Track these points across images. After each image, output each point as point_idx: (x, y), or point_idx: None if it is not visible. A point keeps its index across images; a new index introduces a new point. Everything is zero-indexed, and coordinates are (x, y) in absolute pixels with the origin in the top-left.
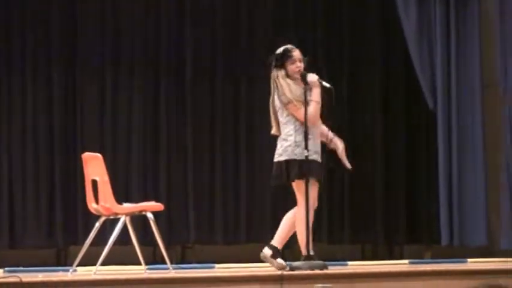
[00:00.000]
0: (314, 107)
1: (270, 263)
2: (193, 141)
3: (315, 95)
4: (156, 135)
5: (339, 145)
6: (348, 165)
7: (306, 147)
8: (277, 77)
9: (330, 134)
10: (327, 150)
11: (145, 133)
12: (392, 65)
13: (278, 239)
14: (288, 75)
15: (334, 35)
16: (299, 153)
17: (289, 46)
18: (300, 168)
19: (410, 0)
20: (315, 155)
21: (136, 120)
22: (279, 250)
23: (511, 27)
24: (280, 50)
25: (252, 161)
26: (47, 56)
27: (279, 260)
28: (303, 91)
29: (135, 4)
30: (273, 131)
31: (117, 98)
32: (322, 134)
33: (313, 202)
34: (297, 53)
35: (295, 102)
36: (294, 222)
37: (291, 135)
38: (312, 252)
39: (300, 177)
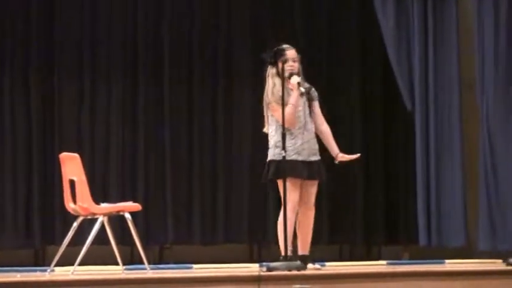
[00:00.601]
0: (289, 109)
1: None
2: (171, 141)
3: (292, 98)
4: (134, 135)
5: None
6: (354, 156)
7: (284, 148)
8: (268, 75)
9: (335, 151)
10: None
11: (123, 133)
12: (370, 65)
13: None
14: (278, 74)
15: (312, 35)
16: (277, 154)
17: (284, 45)
18: (276, 168)
19: (388, 0)
20: (295, 155)
21: (114, 121)
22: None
23: (489, 27)
24: (275, 48)
25: (229, 162)
26: (25, 56)
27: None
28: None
29: (113, 6)
30: (264, 129)
31: (95, 98)
32: (332, 149)
33: (292, 202)
34: (290, 52)
35: (273, 104)
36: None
37: (273, 135)
38: (290, 253)
39: (276, 177)
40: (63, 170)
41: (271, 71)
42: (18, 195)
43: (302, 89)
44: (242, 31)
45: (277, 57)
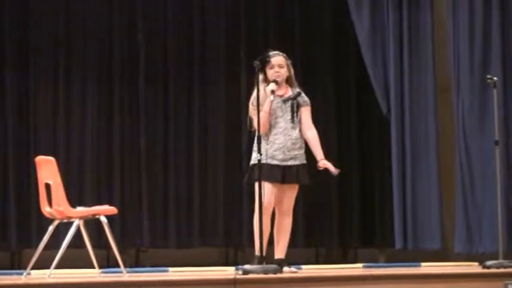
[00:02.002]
0: (261, 116)
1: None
2: (147, 145)
3: (265, 105)
4: (110, 138)
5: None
6: (333, 169)
7: (259, 151)
8: (257, 81)
9: (319, 157)
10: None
11: (99, 137)
12: (345, 69)
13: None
14: (266, 80)
15: (286, 38)
16: (254, 158)
17: (271, 52)
18: (251, 171)
19: (363, 4)
20: (269, 159)
21: (90, 124)
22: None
23: (464, 31)
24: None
25: (205, 165)
26: None
27: (285, 268)
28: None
29: (87, 8)
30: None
31: (70, 101)
32: (315, 155)
33: (268, 204)
34: (276, 59)
35: (251, 109)
36: (282, 228)
37: (254, 141)
38: (259, 253)
39: (251, 180)
40: (38, 173)
41: (260, 76)
42: None
43: (271, 97)
44: (216, 31)
45: (263, 63)
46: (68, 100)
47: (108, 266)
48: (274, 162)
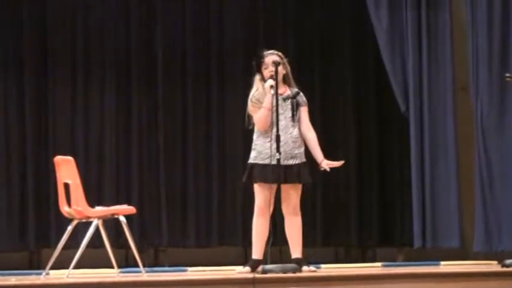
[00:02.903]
0: (261, 113)
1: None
2: (165, 144)
3: (266, 101)
4: (128, 138)
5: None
6: (338, 163)
7: (278, 150)
8: (254, 80)
9: (319, 158)
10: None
11: (118, 137)
12: (364, 68)
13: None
14: (263, 80)
15: (305, 38)
16: (252, 157)
17: (265, 51)
18: (249, 171)
19: (382, 4)
20: (268, 159)
21: (108, 124)
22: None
23: (482, 30)
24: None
25: (224, 164)
26: (18, 60)
27: (304, 267)
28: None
29: (106, 12)
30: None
31: (88, 101)
32: (315, 156)
33: (263, 205)
34: (269, 58)
35: (251, 107)
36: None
37: (254, 138)
38: (254, 256)
39: (248, 180)
40: (57, 173)
41: (257, 77)
42: (13, 199)
43: (272, 92)
44: (234, 32)
45: (258, 63)
46: (86, 100)
47: (126, 266)
48: (273, 162)
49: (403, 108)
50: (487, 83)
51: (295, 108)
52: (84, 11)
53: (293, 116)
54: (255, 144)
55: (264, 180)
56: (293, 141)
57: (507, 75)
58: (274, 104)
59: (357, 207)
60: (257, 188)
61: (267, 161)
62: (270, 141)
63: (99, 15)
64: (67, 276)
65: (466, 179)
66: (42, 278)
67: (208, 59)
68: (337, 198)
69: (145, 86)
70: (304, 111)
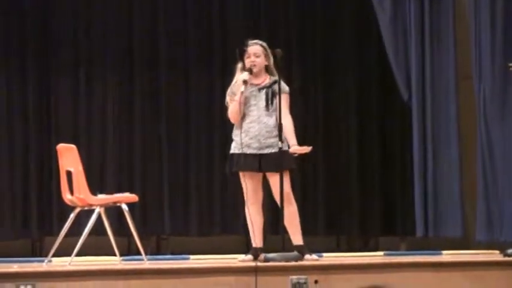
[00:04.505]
0: (231, 107)
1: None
2: (168, 132)
3: (236, 96)
4: (131, 126)
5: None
6: (305, 149)
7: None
8: (236, 68)
9: (291, 144)
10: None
11: (120, 124)
12: (366, 57)
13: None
14: (245, 69)
15: (307, 27)
16: (232, 148)
17: (250, 41)
18: (230, 161)
19: None
20: (245, 148)
21: (111, 112)
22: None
23: (485, 19)
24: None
25: (226, 152)
26: (20, 48)
27: (307, 256)
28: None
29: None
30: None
31: (91, 89)
32: (289, 142)
33: (248, 193)
34: (252, 48)
35: (227, 98)
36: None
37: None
38: (254, 245)
39: (229, 171)
40: (60, 161)
41: (239, 65)
42: (15, 187)
43: (242, 88)
44: (236, 22)
45: (241, 52)
46: (88, 88)
47: (129, 254)
48: (250, 151)
49: (405, 97)
50: (490, 73)
51: (271, 97)
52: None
53: (267, 105)
54: (234, 135)
55: (240, 168)
56: (267, 131)
57: (510, 64)
58: (248, 95)
59: (359, 196)
60: (241, 177)
61: (241, 151)
62: (242, 132)
63: (101, 3)
64: (69, 264)
65: (469, 168)
66: (44, 265)
67: (211, 48)
68: (339, 187)
69: (147, 72)
70: (283, 99)
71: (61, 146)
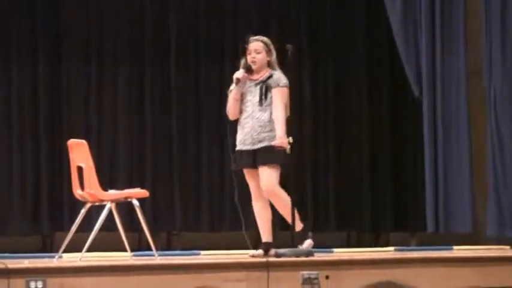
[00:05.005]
0: (228, 104)
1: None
2: (178, 128)
3: (232, 93)
4: (141, 121)
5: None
6: (283, 142)
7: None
8: (240, 66)
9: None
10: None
11: (131, 119)
12: (377, 53)
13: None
14: (246, 66)
15: (318, 23)
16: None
17: (252, 37)
18: (233, 159)
19: None
20: (241, 145)
21: (122, 107)
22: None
23: (496, 14)
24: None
25: None
26: (32, 43)
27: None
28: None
29: None
30: None
31: (102, 84)
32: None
33: (252, 190)
34: (252, 44)
35: (229, 95)
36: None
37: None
38: (265, 239)
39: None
40: (71, 156)
41: (242, 61)
42: (26, 182)
43: (232, 86)
44: (248, 14)
45: (243, 48)
46: (99, 84)
47: (140, 249)
48: (245, 147)
49: (416, 93)
50: (500, 68)
51: (265, 92)
52: None
53: (260, 100)
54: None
55: (238, 165)
56: (260, 126)
57: None
58: (245, 91)
59: (370, 192)
60: (244, 173)
61: (239, 147)
62: (241, 128)
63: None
64: (80, 260)
65: (479, 164)
66: (55, 261)
67: (222, 41)
68: (350, 183)
69: (158, 68)
70: (275, 94)
71: (72, 142)
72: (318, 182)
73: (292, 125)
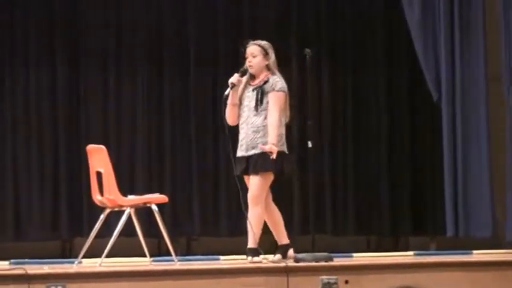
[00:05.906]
0: (226, 110)
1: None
2: (197, 132)
3: (229, 99)
4: (160, 127)
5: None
6: (270, 148)
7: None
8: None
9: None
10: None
11: (150, 125)
12: (396, 56)
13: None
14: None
15: (337, 26)
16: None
17: (249, 41)
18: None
19: None
20: (238, 151)
21: (140, 112)
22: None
23: None
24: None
25: None
26: (50, 49)
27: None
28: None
29: None
30: None
31: (120, 89)
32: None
33: (249, 196)
34: (249, 49)
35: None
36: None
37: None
38: (281, 242)
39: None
40: (90, 162)
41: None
42: (45, 188)
43: (227, 91)
44: (266, 20)
45: (242, 53)
46: (118, 89)
47: (159, 255)
48: (241, 153)
49: (435, 97)
50: None
51: (260, 97)
52: None
53: (256, 105)
54: None
55: (235, 172)
56: (254, 131)
57: None
58: (244, 96)
59: (389, 196)
60: (244, 179)
61: (237, 153)
62: (240, 134)
63: (130, 3)
64: (99, 265)
65: (498, 168)
66: (74, 266)
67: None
68: (369, 187)
69: (177, 74)
70: (270, 98)
71: (91, 147)
72: (337, 186)
73: (312, 129)
